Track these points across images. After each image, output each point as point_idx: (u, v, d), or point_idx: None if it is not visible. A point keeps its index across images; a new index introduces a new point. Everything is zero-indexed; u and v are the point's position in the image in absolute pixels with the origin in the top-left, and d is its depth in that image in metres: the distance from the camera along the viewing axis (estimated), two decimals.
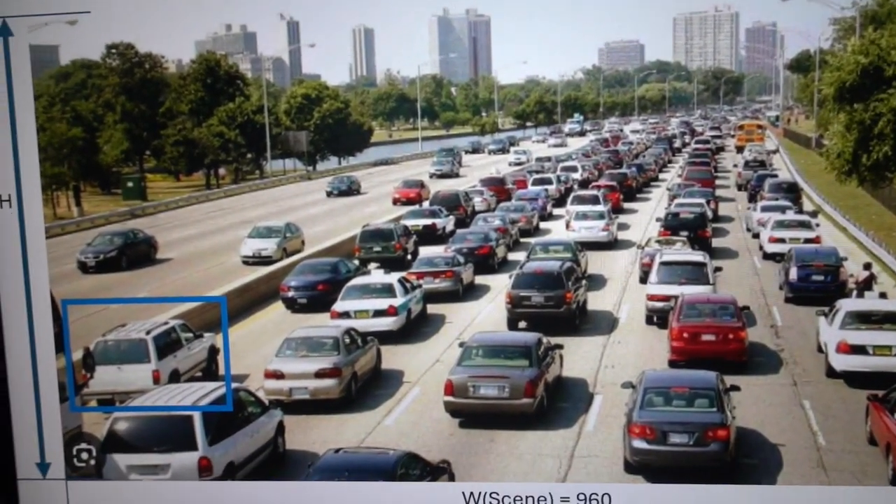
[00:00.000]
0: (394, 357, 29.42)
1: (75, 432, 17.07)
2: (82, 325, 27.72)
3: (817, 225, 42.23)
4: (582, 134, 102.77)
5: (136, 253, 44.83)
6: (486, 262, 40.18)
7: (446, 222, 48.58)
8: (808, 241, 39.16)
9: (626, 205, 57.62)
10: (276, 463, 21.91)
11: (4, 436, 9.78)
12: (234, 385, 21.87)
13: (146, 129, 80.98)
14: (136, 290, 39.17)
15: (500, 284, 37.03)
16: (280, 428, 22.41)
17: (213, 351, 28.45)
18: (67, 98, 79.55)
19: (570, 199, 51.93)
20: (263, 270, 39.61)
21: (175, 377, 26.03)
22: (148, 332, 26.16)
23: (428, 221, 47.99)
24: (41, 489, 10.13)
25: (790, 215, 43.41)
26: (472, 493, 9.85)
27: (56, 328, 10.49)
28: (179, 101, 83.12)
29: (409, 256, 42.10)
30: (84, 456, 11.71)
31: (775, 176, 59.28)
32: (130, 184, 71.91)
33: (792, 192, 51.70)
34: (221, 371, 28.17)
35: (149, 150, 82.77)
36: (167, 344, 26.40)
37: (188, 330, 27.83)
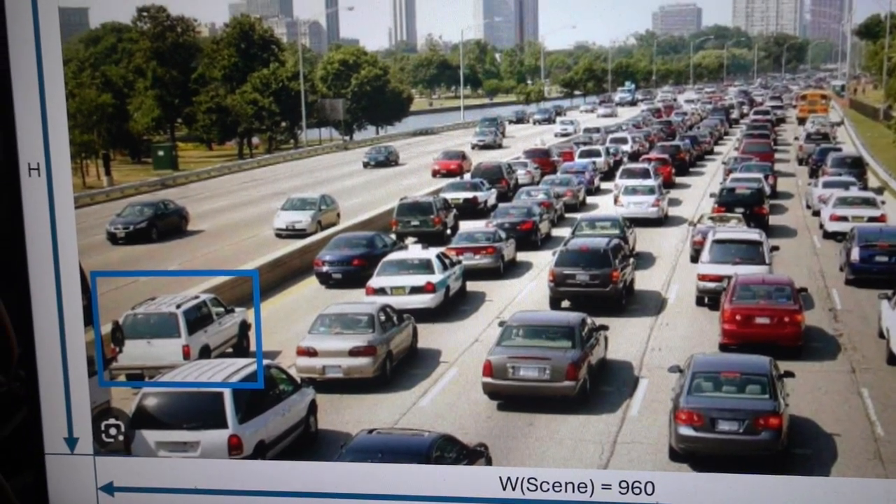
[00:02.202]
0: (431, 336, 29.60)
1: (104, 407, 17.36)
2: (111, 297, 27.98)
3: (883, 202, 41.84)
4: (633, 103, 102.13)
5: (167, 224, 45.23)
6: (529, 237, 40.19)
7: (488, 196, 48.57)
8: (872, 219, 38.82)
9: (679, 179, 57.27)
10: (307, 443, 22.21)
11: (32, 410, 10.04)
12: (265, 362, 22.19)
13: (178, 95, 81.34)
14: (166, 262, 39.56)
15: (543, 262, 37.07)
16: (312, 407, 22.68)
17: (245, 326, 28.76)
18: (97, 63, 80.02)
19: (618, 173, 51.73)
20: (297, 244, 39.85)
21: (205, 353, 26.38)
22: (178, 306, 26.51)
23: (469, 195, 48.01)
24: (69, 464, 10.38)
25: (854, 192, 43.01)
26: (508, 478, 9.95)
27: (85, 301, 10.68)
28: (212, 66, 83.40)
29: (448, 231, 42.14)
30: (112, 431, 11.95)
31: (839, 150, 58.68)
32: (161, 152, 72.32)
33: (856, 166, 51.16)
34: (252, 347, 28.48)
35: (180, 117, 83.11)
36: (198, 318, 26.74)
37: (219, 304, 28.15)
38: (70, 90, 60.39)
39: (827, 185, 45.67)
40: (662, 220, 45.17)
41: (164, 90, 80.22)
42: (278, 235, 43.65)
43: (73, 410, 10.37)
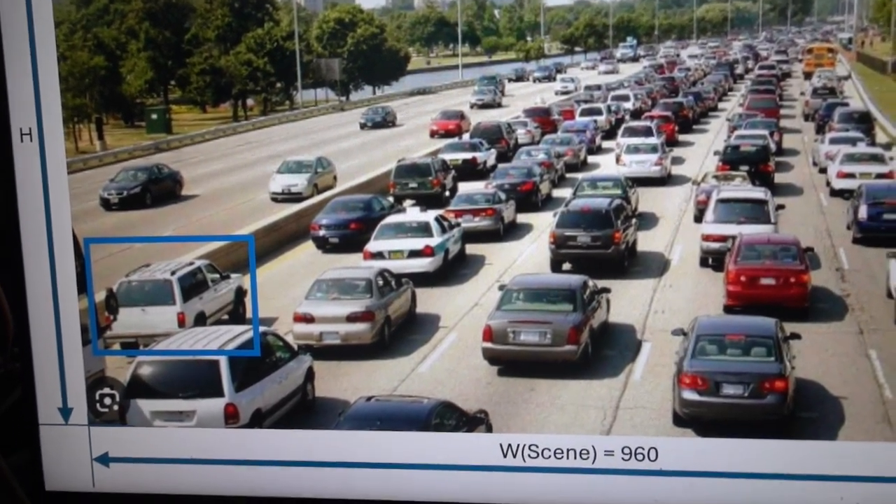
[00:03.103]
0: (430, 300, 29.64)
1: (98, 376, 17.40)
2: (105, 264, 27.97)
3: (891, 158, 41.72)
4: (635, 59, 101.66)
5: (161, 189, 45.20)
6: (529, 199, 40.15)
7: (487, 156, 48.46)
8: (880, 176, 38.75)
9: (682, 137, 57.09)
10: (305, 410, 22.30)
11: (26, 380, 10.08)
12: (261, 329, 22.26)
13: (171, 57, 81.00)
14: (161, 228, 39.56)
15: (543, 223, 37.00)
16: (309, 374, 22.77)
17: (241, 293, 28.79)
18: (89, 25, 79.63)
19: (620, 131, 51.64)
20: (293, 208, 39.84)
21: (201, 320, 26.44)
22: (173, 273, 26.54)
23: (468, 155, 47.91)
24: (63, 434, 10.42)
25: (861, 148, 42.92)
26: (509, 445, 9.97)
27: (78, 268, 10.67)
28: (206, 27, 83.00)
29: (447, 193, 42.12)
30: (107, 401, 11.98)
31: (846, 105, 58.49)
32: (155, 116, 72.15)
33: (864, 122, 51.01)
34: (249, 314, 28.54)
35: (174, 79, 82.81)
36: (193, 285, 26.78)
37: (214, 270, 28.17)
38: (62, 53, 60.14)
39: (834, 141, 45.50)
40: (665, 180, 45.04)
41: (157, 52, 79.89)
42: (274, 199, 43.61)
43: (67, 380, 10.40)
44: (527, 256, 34.13)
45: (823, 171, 43.89)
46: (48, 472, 10.35)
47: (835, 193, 40.12)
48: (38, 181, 9.95)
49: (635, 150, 45.68)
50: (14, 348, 9.67)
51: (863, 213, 33.42)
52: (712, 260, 31.09)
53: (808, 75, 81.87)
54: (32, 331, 10.16)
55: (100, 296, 19.43)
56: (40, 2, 9.88)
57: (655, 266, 32.17)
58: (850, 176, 39.46)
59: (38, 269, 10.11)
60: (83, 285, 10.79)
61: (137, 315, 25.47)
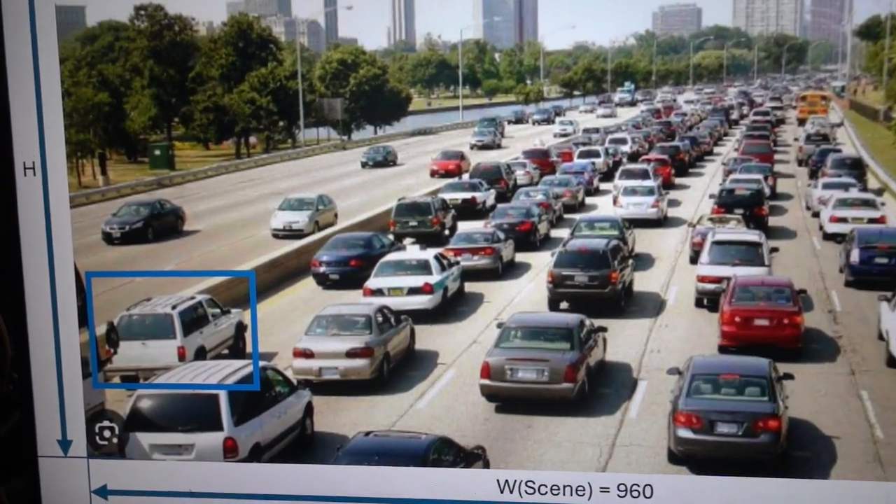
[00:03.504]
0: (428, 337, 29.58)
1: (98, 409, 17.30)
2: (106, 298, 28.03)
3: (883, 204, 41.83)
4: (633, 104, 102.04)
5: (163, 224, 45.20)
6: (528, 238, 40.15)
7: (486, 196, 48.55)
8: (872, 220, 38.82)
9: (678, 180, 57.22)
10: (303, 445, 22.18)
11: (25, 412, 9.99)
12: (261, 363, 22.18)
13: (175, 94, 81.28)
14: (162, 262, 39.53)
15: (541, 262, 37.01)
16: (308, 409, 22.66)
17: (241, 327, 28.75)
18: (94, 62, 79.94)
19: (618, 174, 51.75)
20: (294, 244, 39.83)
21: (201, 354, 26.36)
22: (174, 307, 26.48)
23: (467, 195, 47.99)
24: (62, 467, 10.33)
25: (854, 193, 43.02)
26: (506, 481, 9.92)
27: (79, 301, 10.63)
28: (210, 65, 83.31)
29: (446, 232, 42.13)
30: (106, 434, 11.90)
31: (839, 151, 58.70)
32: (158, 152, 72.33)
33: (856, 168, 51.15)
34: (249, 349, 28.47)
35: (177, 116, 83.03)
36: (193, 319, 26.71)
37: (215, 305, 28.12)
38: (66, 89, 60.41)
39: (827, 186, 45.67)
40: (662, 221, 45.12)
41: (161, 89, 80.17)
42: (275, 236, 43.63)
43: (66, 412, 10.32)
44: (525, 295, 34.11)
45: (816, 215, 43.96)
46: (47, 503, 10.26)
47: (827, 237, 40.19)
48: (40, 214, 9.92)
49: (632, 192, 45.76)
50: (14, 374, 9.60)
51: (855, 256, 33.44)
52: (707, 301, 31.08)
53: (801, 122, 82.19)
54: (33, 364, 10.09)
55: (101, 329, 19.39)
56: (45, 38, 9.89)
57: (651, 306, 32.14)
58: (843, 220, 39.51)
59: (39, 301, 10.06)
60: (84, 319, 10.75)
61: (138, 348, 25.39)
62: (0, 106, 9.84)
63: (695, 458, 20.44)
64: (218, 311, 28.05)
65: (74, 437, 10.45)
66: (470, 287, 34.58)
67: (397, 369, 26.81)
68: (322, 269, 35.81)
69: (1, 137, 9.85)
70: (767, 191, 47.29)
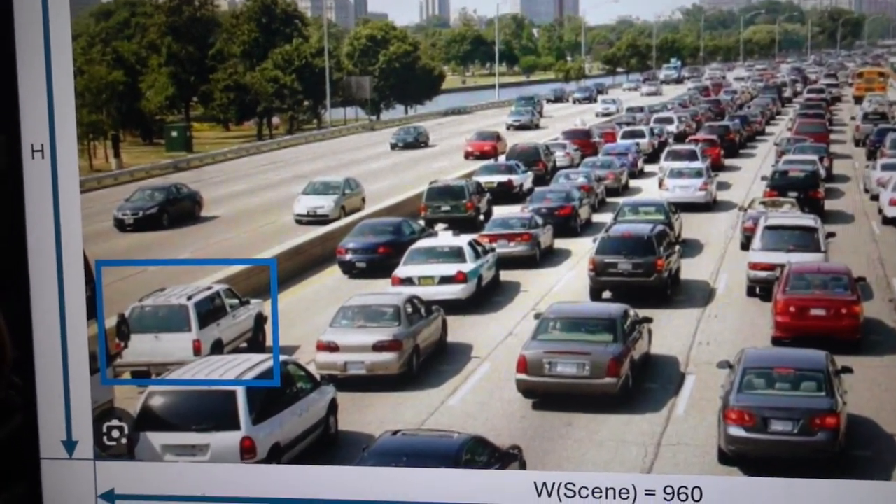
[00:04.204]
0: (461, 329, 29.50)
1: (106, 407, 17.28)
2: (117, 288, 28.10)
3: None
4: (679, 81, 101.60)
5: (179, 210, 45.30)
6: (568, 223, 40.01)
7: (524, 179, 48.43)
8: None
9: (728, 161, 56.97)
10: (327, 445, 22.13)
11: (28, 411, 9.89)
12: (282, 358, 22.11)
13: (194, 73, 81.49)
14: (177, 250, 39.64)
15: (582, 249, 36.86)
16: (332, 406, 22.60)
17: (261, 319, 28.70)
18: (108, 38, 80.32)
19: (664, 155, 51.59)
20: (319, 231, 39.85)
21: (218, 348, 26.33)
22: (189, 298, 26.47)
23: (503, 178, 47.87)
24: (66, 469, 10.24)
25: None
26: (544, 483, 9.81)
27: (88, 292, 10.55)
28: (231, 42, 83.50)
29: (481, 217, 42.06)
30: (115, 434, 11.84)
31: None
32: (175, 133, 72.61)
33: None
34: (269, 342, 28.47)
35: (196, 96, 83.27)
36: (210, 311, 26.70)
37: (233, 296, 28.10)
38: (79, 67, 60.70)
39: (886, 167, 45.34)
40: (710, 205, 44.86)
41: (179, 67, 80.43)
42: (298, 221, 43.67)
43: (72, 411, 10.23)
44: (564, 284, 33.98)
45: (875, 197, 43.62)
46: None
47: (887, 221, 39.88)
48: (48, 199, 9.84)
49: (679, 174, 45.57)
50: (15, 378, 9.49)
51: None
52: (760, 289, 30.86)
53: (858, 99, 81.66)
54: (37, 358, 10.00)
55: (111, 321, 19.39)
56: (58, 13, 9.80)
57: (700, 295, 31.95)
58: None
59: (45, 292, 9.98)
60: (93, 310, 10.66)
61: (150, 342, 25.34)
62: (8, 84, 9.77)
63: (747, 457, 20.32)
64: (236, 301, 28.03)
65: (80, 438, 10.36)
66: (506, 276, 34.44)
67: (427, 363, 26.75)
68: (348, 256, 35.77)
69: (8, 118, 9.78)
70: (823, 172, 46.98)
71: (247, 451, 19.32)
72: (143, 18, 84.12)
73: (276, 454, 20.07)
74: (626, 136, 60.07)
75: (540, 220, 37.58)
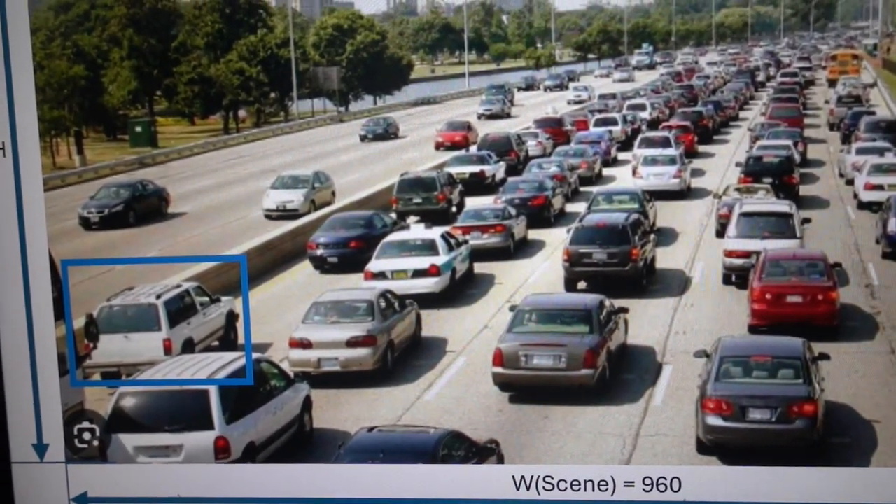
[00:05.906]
0: (436, 323, 29.55)
1: (76, 410, 17.27)
2: (85, 288, 28.02)
3: None
4: (651, 67, 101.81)
5: (146, 207, 45.16)
6: (542, 214, 40.13)
7: (496, 169, 48.47)
8: None
9: (702, 147, 57.17)
10: (302, 443, 22.13)
11: None
12: (255, 355, 22.07)
13: (157, 66, 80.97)
14: (145, 248, 39.53)
15: (556, 240, 36.96)
16: (307, 404, 22.60)
17: (232, 317, 28.69)
18: (68, 32, 79.73)
19: (637, 142, 51.65)
20: (289, 226, 39.82)
21: (189, 347, 26.29)
22: (158, 297, 26.41)
23: (475, 168, 47.90)
24: (38, 473, 10.26)
25: (889, 158, 42.88)
26: (522, 477, 9.88)
27: (55, 292, 10.56)
28: (194, 34, 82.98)
29: (453, 208, 42.11)
30: (86, 436, 11.86)
31: (872, 113, 58.58)
32: (139, 128, 72.25)
33: (892, 131, 50.97)
34: (241, 340, 28.44)
35: (160, 90, 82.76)
36: (180, 309, 26.64)
37: (204, 293, 28.06)
38: (38, 61, 60.28)
39: (860, 151, 45.57)
40: (685, 193, 45.04)
41: (141, 60, 79.94)
42: (268, 217, 43.62)
43: (42, 414, 10.25)
44: (539, 275, 34.07)
45: (850, 182, 43.87)
46: None
47: (862, 206, 40.09)
48: (11, 199, 9.83)
49: (653, 161, 45.65)
50: None
51: (892, 226, 33.30)
52: (736, 277, 31.00)
53: (832, 83, 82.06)
54: (4, 361, 10.02)
55: (79, 322, 19.30)
56: (16, 7, 9.78)
57: (676, 284, 32.08)
58: (879, 188, 39.45)
59: (10, 293, 9.99)
60: (60, 311, 10.66)
61: (120, 342, 25.27)
62: None
63: (725, 447, 20.40)
64: (207, 299, 27.99)
65: (51, 441, 10.39)
66: (480, 268, 34.50)
67: (402, 359, 26.76)
68: (319, 251, 35.74)
69: None
70: (797, 157, 47.18)
71: (221, 451, 19.27)
72: (104, 11, 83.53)
73: (251, 453, 20.04)
74: (599, 123, 60.12)
75: (513, 211, 37.62)
